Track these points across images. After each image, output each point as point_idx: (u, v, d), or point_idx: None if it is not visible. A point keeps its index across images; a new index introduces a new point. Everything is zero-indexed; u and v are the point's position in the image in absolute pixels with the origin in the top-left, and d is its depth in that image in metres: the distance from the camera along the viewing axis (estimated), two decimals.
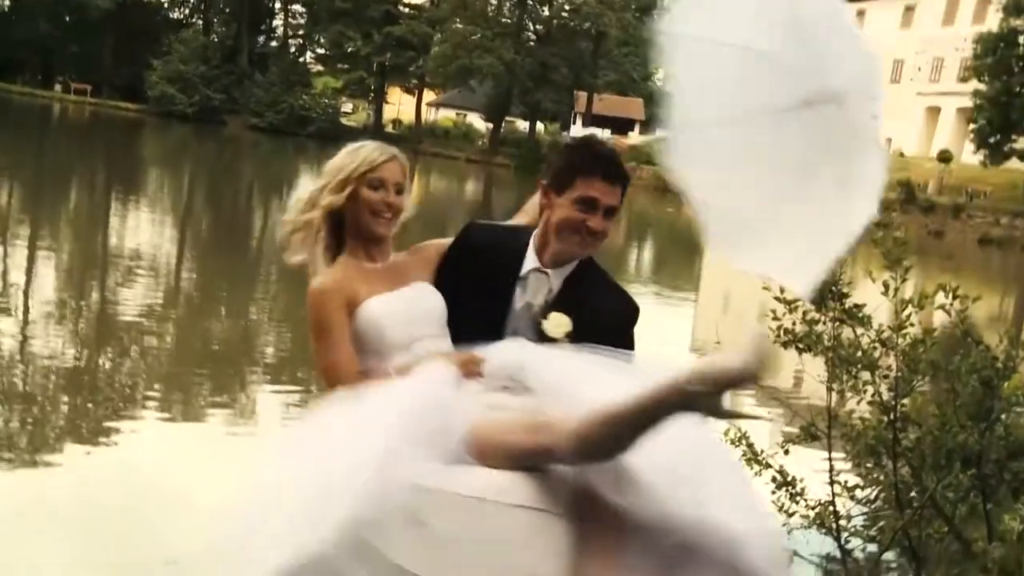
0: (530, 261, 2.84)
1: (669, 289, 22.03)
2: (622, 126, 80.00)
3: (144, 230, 20.46)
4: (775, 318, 3.96)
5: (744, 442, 4.02)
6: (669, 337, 15.23)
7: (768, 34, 2.69)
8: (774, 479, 4.02)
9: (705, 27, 2.69)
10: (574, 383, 2.34)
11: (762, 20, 2.71)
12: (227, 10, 74.91)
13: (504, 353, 2.59)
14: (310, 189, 2.90)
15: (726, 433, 3.98)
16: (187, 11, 78.07)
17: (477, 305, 2.82)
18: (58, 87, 69.46)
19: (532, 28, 71.32)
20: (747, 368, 1.96)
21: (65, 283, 13.68)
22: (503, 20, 70.24)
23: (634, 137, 74.48)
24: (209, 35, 73.18)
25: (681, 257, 30.85)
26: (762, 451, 4.01)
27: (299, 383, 9.88)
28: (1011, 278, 33.99)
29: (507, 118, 72.70)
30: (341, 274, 2.77)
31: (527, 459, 2.17)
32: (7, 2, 71.83)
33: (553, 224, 2.80)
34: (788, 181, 2.78)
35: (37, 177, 27.45)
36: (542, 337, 2.72)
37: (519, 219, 3.21)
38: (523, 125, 73.73)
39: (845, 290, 3.87)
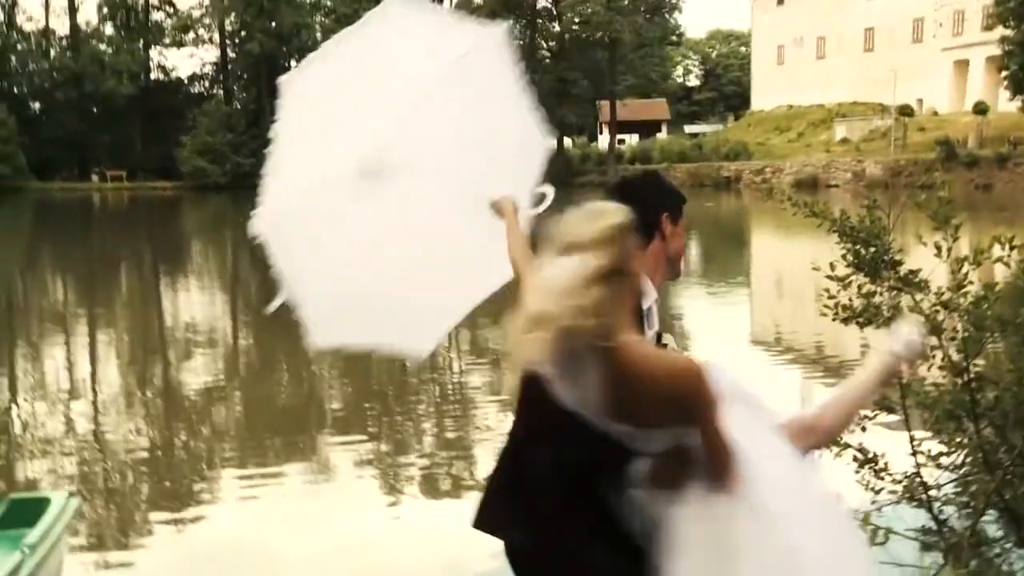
0: (649, 295, 2.87)
1: (720, 283, 21.85)
2: (649, 129, 79.95)
3: (196, 303, 20.80)
4: (831, 296, 3.92)
5: None
6: (727, 330, 15.12)
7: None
8: (855, 458, 3.97)
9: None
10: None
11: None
12: (244, 76, 76.14)
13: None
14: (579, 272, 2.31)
15: None
16: (206, 84, 79.52)
17: None
18: (95, 177, 70.99)
19: (545, 46, 71.58)
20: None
21: (128, 366, 13.93)
22: (516, 42, 70.56)
23: (661, 137, 73.87)
24: (231, 104, 74.41)
25: (727, 249, 30.67)
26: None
27: (368, 435, 9.96)
28: None
29: None
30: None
31: None
32: (37, 105, 73.66)
33: (673, 252, 2.94)
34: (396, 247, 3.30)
35: (87, 267, 28.04)
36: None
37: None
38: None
39: (898, 258, 3.82)
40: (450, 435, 10.02)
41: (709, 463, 2.33)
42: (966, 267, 3.55)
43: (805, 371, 12.31)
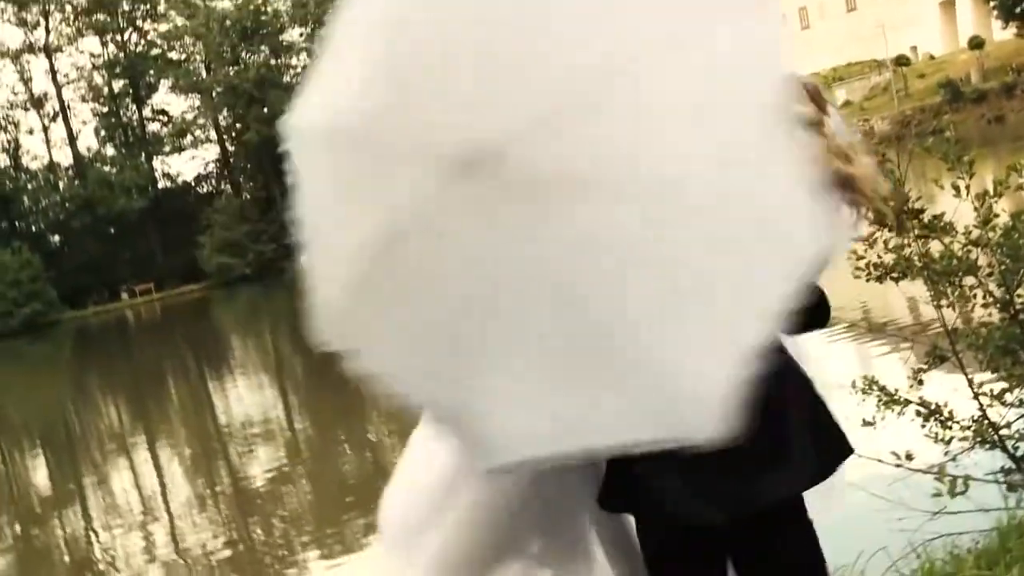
0: None
1: None
2: None
3: (245, 396, 20.97)
4: (859, 257, 3.92)
5: (875, 387, 3.95)
6: None
7: None
8: (918, 412, 3.94)
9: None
10: None
11: None
12: (248, 166, 77.10)
13: None
14: None
15: (853, 385, 3.93)
16: (213, 181, 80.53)
17: None
18: (124, 295, 71.88)
19: None
20: None
21: (194, 471, 14.06)
22: None
23: None
24: (241, 195, 75.28)
25: None
26: (896, 390, 3.94)
27: None
28: None
29: None
30: None
31: None
32: (56, 237, 74.95)
33: None
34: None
35: (134, 383, 28.36)
36: None
37: None
38: None
39: (919, 205, 3.81)
40: None
41: None
42: (988, 201, 3.55)
43: (859, 340, 12.17)
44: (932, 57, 58.37)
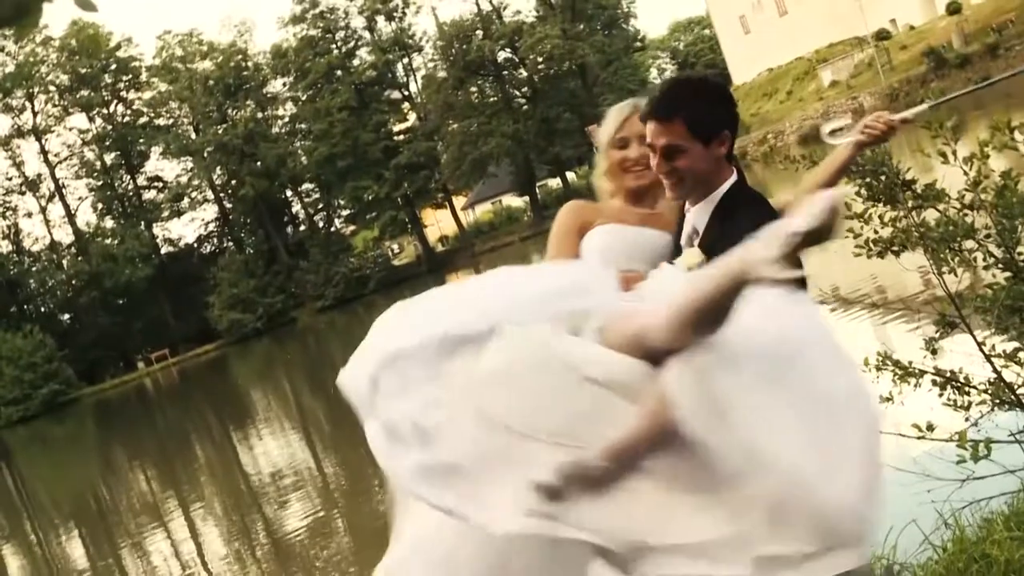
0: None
1: None
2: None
3: (272, 449, 21.00)
4: (856, 235, 3.95)
5: (889, 362, 3.97)
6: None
7: None
8: (935, 382, 3.95)
9: None
10: None
11: None
12: (248, 221, 77.51)
13: (661, 279, 2.65)
14: None
15: (866, 362, 3.94)
16: (215, 240, 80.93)
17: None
18: (140, 364, 72.18)
19: (519, 93, 72.24)
20: (815, 225, 2.01)
21: (230, 531, 14.08)
22: (490, 100, 71.37)
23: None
24: (244, 251, 75.65)
25: None
26: (910, 363, 3.95)
27: None
28: None
29: (537, 183, 73.37)
30: (595, 204, 3.15)
31: (630, 343, 2.29)
32: (66, 316, 75.35)
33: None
34: None
35: (160, 450, 28.43)
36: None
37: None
38: (555, 182, 74.29)
39: (909, 177, 3.84)
40: None
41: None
42: (976, 163, 3.57)
43: (874, 317, 12.17)
44: (912, 28, 58.42)
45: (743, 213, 2.70)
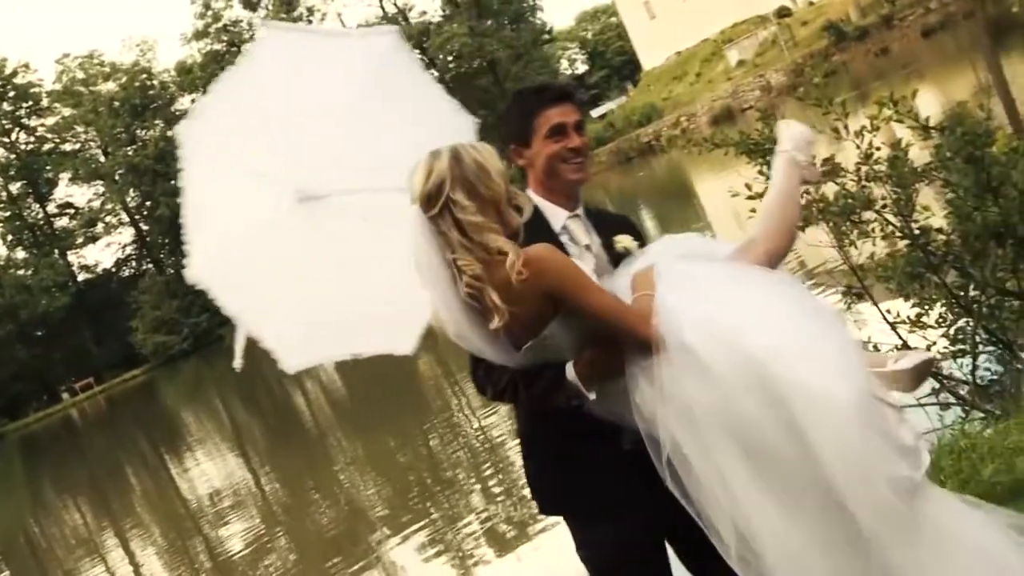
0: (557, 215, 2.93)
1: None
2: None
3: (208, 469, 20.71)
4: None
5: None
6: None
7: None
8: None
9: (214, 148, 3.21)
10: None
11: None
12: (166, 241, 76.11)
13: (658, 256, 2.78)
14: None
15: None
16: (134, 263, 79.34)
17: None
18: (65, 395, 70.48)
19: None
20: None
21: (171, 556, 13.86)
22: None
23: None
24: (164, 272, 74.28)
25: (678, 205, 30.82)
26: None
27: (421, 521, 9.98)
28: (973, 48, 33.75)
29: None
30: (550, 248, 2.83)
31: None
32: None
33: (542, 168, 2.92)
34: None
35: (92, 481, 27.82)
36: (619, 258, 2.88)
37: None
38: None
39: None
40: (495, 488, 10.06)
41: (611, 328, 2.50)
42: (867, 136, 3.69)
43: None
44: (811, 3, 59.62)
45: (601, 212, 3.05)
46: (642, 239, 2.98)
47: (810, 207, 3.88)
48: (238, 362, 3.36)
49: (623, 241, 2.90)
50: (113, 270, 78.88)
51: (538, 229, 2.86)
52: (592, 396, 2.54)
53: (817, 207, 3.86)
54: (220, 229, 3.31)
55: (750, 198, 4.03)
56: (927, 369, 2.51)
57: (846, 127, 3.78)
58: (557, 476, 2.77)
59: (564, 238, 2.91)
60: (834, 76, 38.43)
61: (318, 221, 3.27)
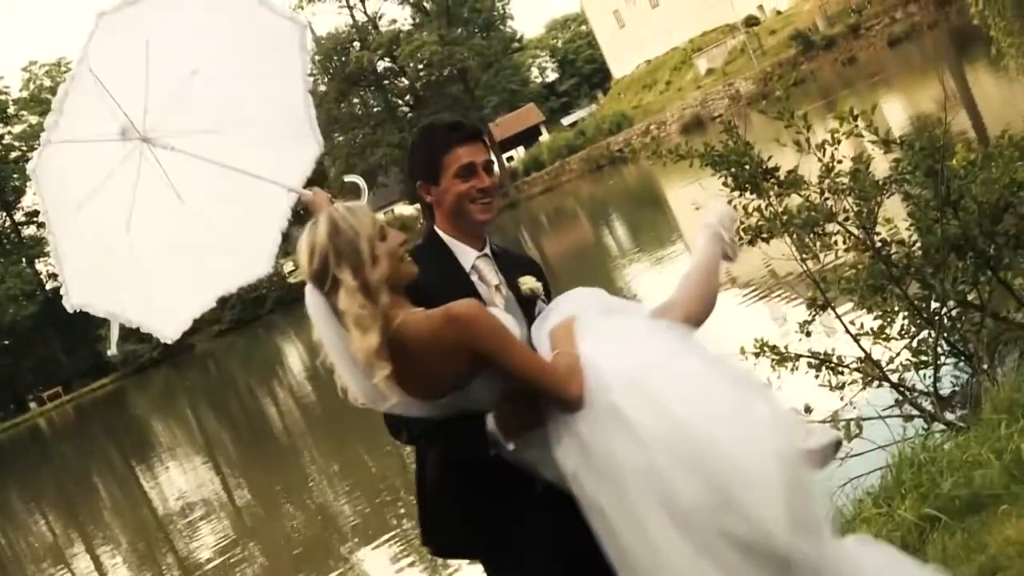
0: (467, 255, 2.91)
1: (659, 249, 21.91)
2: (530, 136, 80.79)
3: (179, 478, 20.53)
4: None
5: (766, 348, 4.10)
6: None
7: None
8: (810, 364, 4.08)
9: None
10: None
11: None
12: None
13: (575, 308, 2.77)
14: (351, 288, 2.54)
15: (742, 350, 4.07)
16: None
17: None
18: (33, 405, 69.63)
19: (402, 101, 71.99)
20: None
21: (140, 568, 13.72)
22: (374, 111, 70.93)
23: (544, 139, 72.94)
24: None
25: (650, 216, 30.91)
26: (786, 347, 4.09)
27: (393, 529, 9.94)
28: (937, 58, 34.17)
29: None
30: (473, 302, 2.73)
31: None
32: None
33: (450, 207, 2.88)
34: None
35: (61, 492, 27.50)
36: (524, 299, 2.88)
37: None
38: None
39: (770, 165, 3.97)
40: None
41: (537, 388, 2.47)
42: (828, 150, 3.72)
43: (771, 299, 12.43)
44: (779, 12, 60.14)
45: (507, 251, 3.05)
46: (545, 281, 2.99)
47: (774, 219, 3.91)
48: (112, 350, 3.94)
49: (528, 283, 2.90)
50: None
51: (448, 269, 2.87)
52: (511, 447, 2.51)
53: (780, 219, 3.88)
54: (80, 246, 3.51)
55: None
56: (833, 452, 2.56)
57: (808, 140, 3.80)
58: (471, 519, 2.72)
59: (474, 277, 2.90)
60: (803, 84, 38.84)
61: (140, 165, 3.44)
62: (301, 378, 28.44)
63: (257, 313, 65.53)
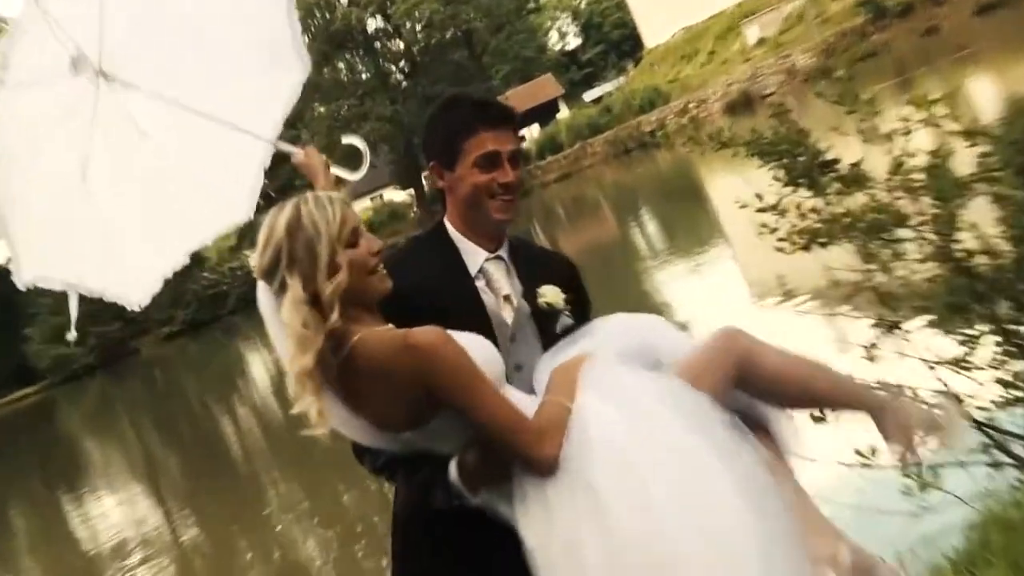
0: (475, 255, 2.90)
1: (698, 250, 21.79)
2: (547, 112, 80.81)
3: (114, 513, 20.50)
4: (772, 230, 4.02)
5: None
6: (727, 297, 15.26)
7: None
8: None
9: None
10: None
11: None
12: None
13: (598, 341, 2.74)
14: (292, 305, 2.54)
15: None
16: None
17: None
18: None
19: (396, 68, 72.06)
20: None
21: None
22: (362, 78, 71.03)
23: (563, 116, 73.05)
24: None
25: (688, 212, 30.81)
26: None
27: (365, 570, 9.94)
28: None
29: (423, 173, 73.19)
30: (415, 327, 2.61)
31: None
32: None
33: (464, 199, 2.88)
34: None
35: None
36: (544, 315, 2.86)
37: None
38: None
39: (829, 157, 3.91)
40: None
41: (500, 444, 2.44)
42: (899, 140, 3.66)
43: (830, 316, 12.32)
44: None
45: (532, 252, 3.07)
46: (577, 289, 2.97)
47: (833, 222, 3.85)
48: (71, 335, 3.82)
49: (548, 295, 2.88)
50: (7, 268, 78.39)
51: (449, 269, 2.87)
52: (476, 501, 2.51)
53: (841, 222, 3.82)
54: (31, 208, 3.56)
55: (760, 210, 4.00)
56: None
57: (875, 129, 3.74)
58: (448, 547, 2.75)
59: (480, 283, 2.88)
60: (872, 60, 38.68)
61: (93, 109, 3.49)
62: (266, 393, 28.45)
63: (216, 313, 65.73)
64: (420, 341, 2.41)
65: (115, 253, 3.54)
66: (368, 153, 3.70)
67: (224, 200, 3.57)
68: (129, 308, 3.55)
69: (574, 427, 2.44)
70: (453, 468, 2.50)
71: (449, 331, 2.51)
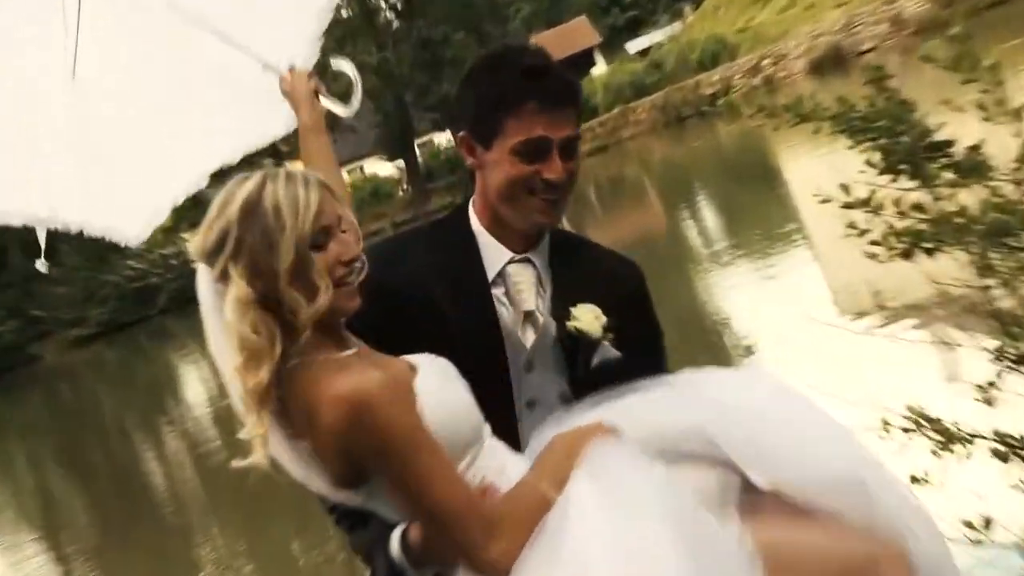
0: (497, 255, 2.87)
1: (771, 247, 21.74)
2: (579, 65, 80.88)
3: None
4: (862, 231, 3.98)
5: (924, 421, 4.01)
6: (804, 308, 15.20)
7: None
8: (995, 452, 3.96)
9: None
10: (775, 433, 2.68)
11: None
12: None
13: (636, 410, 2.66)
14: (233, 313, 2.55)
15: (886, 425, 4.01)
16: None
17: (461, 361, 2.71)
18: None
19: (386, 4, 72.21)
20: None
21: None
22: (342, 17, 71.19)
23: (598, 72, 73.59)
24: None
25: (757, 198, 30.76)
26: (955, 422, 4.00)
27: None
28: None
29: (417, 141, 73.28)
30: (361, 363, 2.58)
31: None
32: None
33: (498, 190, 2.84)
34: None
35: None
36: (574, 341, 2.81)
37: None
38: (443, 137, 74.25)
39: (940, 138, 3.86)
40: None
41: (437, 527, 2.44)
42: None
43: (935, 343, 12.24)
44: None
45: (584, 255, 3.04)
46: (636, 311, 2.96)
47: (943, 222, 3.81)
48: (42, 263, 3.78)
49: (581, 318, 2.83)
50: None
51: (461, 268, 2.85)
52: None
53: (953, 222, 3.78)
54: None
55: (847, 206, 3.97)
56: None
57: (999, 104, 3.69)
58: None
59: (498, 291, 2.86)
60: (1000, 8, 38.56)
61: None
62: (203, 415, 28.50)
63: (142, 313, 65.96)
64: (353, 394, 2.40)
65: (109, 170, 3.59)
66: (358, 81, 3.71)
67: (266, 103, 3.58)
68: (124, 243, 3.58)
69: (549, 526, 2.41)
70: (395, 542, 2.50)
71: (418, 363, 2.55)
